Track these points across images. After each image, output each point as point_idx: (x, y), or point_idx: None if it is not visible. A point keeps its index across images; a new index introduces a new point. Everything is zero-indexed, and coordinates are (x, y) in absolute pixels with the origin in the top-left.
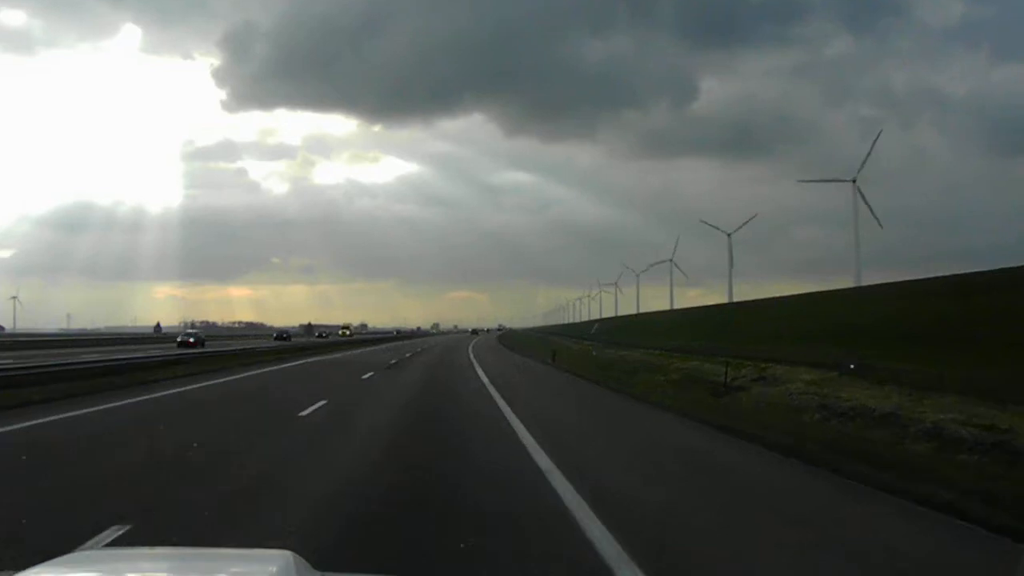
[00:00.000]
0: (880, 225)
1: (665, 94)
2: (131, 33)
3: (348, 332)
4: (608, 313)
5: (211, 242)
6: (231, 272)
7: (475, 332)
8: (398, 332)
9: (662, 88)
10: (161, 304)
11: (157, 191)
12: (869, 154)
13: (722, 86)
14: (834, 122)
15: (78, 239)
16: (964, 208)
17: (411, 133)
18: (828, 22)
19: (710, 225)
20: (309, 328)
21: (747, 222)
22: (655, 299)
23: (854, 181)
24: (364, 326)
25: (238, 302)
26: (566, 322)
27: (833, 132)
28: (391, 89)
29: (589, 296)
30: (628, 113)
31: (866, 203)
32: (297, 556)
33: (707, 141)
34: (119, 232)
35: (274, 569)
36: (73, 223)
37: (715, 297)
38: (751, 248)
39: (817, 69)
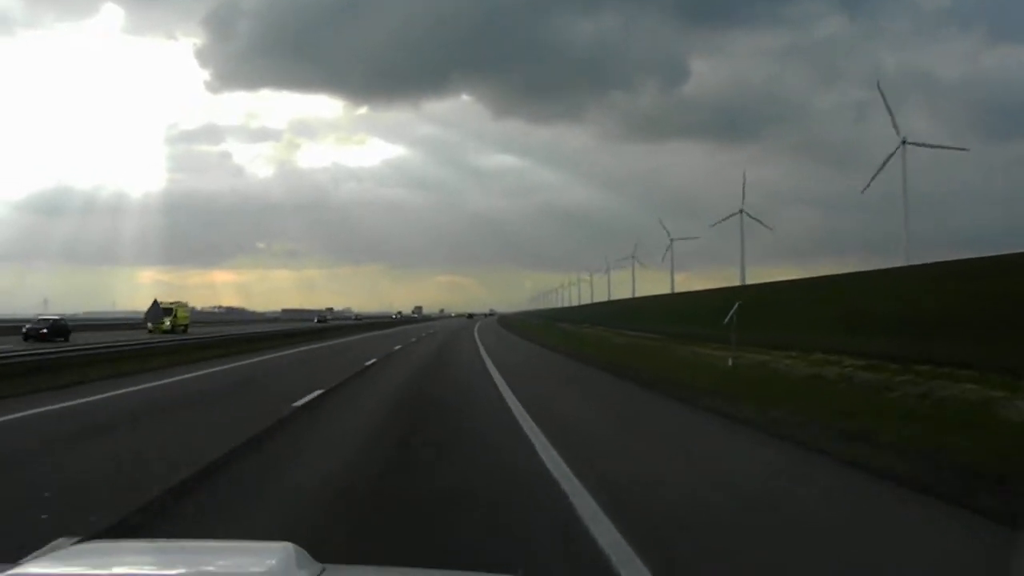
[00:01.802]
0: (862, 192)
1: (655, 75)
2: (112, 13)
3: (162, 326)
4: (600, 297)
5: (195, 226)
6: (215, 257)
7: (471, 316)
8: (320, 320)
9: (651, 69)
10: (144, 289)
11: (139, 174)
12: (937, 147)
13: (713, 67)
14: (826, 104)
15: (58, 223)
16: (953, 194)
17: (397, 115)
18: (820, 2)
19: (742, 187)
20: (155, 308)
21: (765, 226)
22: (646, 283)
23: (904, 142)
24: (331, 311)
25: (222, 287)
26: (559, 306)
27: (825, 114)
28: (377, 69)
29: (579, 280)
30: (617, 94)
31: (879, 168)
32: (298, 547)
33: (697, 123)
34: (100, 216)
35: (273, 561)
36: (53, 207)
37: (702, 282)
38: (735, 233)
39: (809, 50)
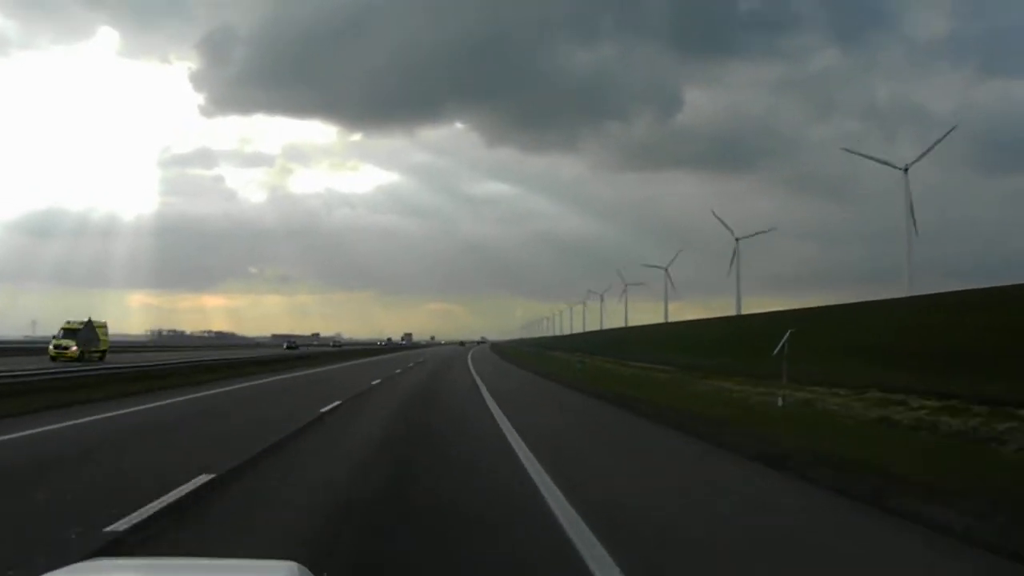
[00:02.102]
0: (916, 231)
1: (650, 105)
2: (107, 36)
3: (67, 352)
4: (592, 327)
5: (187, 250)
6: (207, 281)
7: (463, 344)
8: (290, 346)
9: (646, 99)
10: (134, 312)
11: (132, 197)
12: (933, 147)
13: (708, 98)
14: (819, 136)
15: (49, 245)
16: (943, 225)
17: (391, 142)
18: (815, 34)
19: (720, 221)
20: (87, 330)
21: (762, 232)
22: (637, 313)
23: (906, 170)
24: (317, 336)
25: (213, 311)
26: (550, 334)
27: (818, 146)
28: (371, 96)
29: (571, 309)
30: (612, 124)
31: (910, 201)
32: (301, 567)
33: (692, 154)
34: (92, 239)
35: None
36: (44, 228)
37: (693, 312)
38: (722, 263)
39: (803, 82)
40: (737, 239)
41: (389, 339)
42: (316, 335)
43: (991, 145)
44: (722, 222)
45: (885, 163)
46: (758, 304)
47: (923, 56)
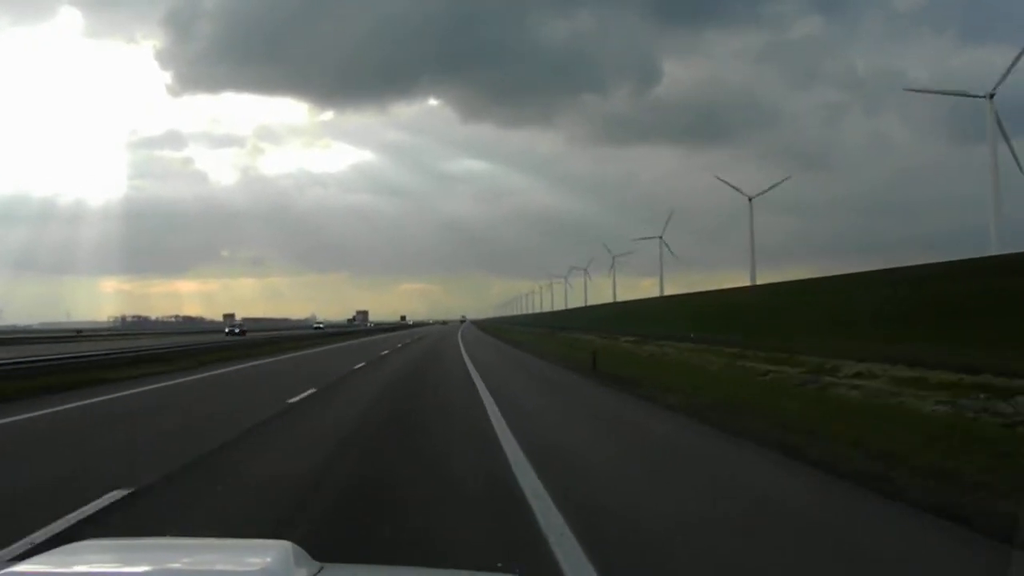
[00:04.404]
0: (1021, 169)
1: (626, 77)
2: (70, 16)
3: None
4: (575, 304)
5: (157, 234)
6: (178, 265)
7: (445, 323)
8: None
9: (623, 71)
10: (105, 298)
11: (99, 181)
12: (1014, 64)
13: (686, 69)
14: (799, 106)
15: (13, 231)
16: (922, 196)
17: (363, 119)
18: (795, 2)
19: (728, 184)
20: None
21: (777, 184)
22: (620, 290)
23: (991, 97)
24: (243, 320)
25: (186, 296)
26: (530, 312)
27: (797, 116)
28: (342, 72)
29: (551, 285)
30: (588, 97)
31: (1004, 135)
32: (296, 546)
33: (669, 126)
34: (58, 224)
35: (270, 559)
36: (8, 214)
37: (670, 287)
38: (702, 237)
39: (783, 51)
40: (750, 199)
41: (353, 319)
42: (231, 316)
43: (968, 114)
44: (729, 184)
45: (963, 94)
46: (719, 280)
47: (904, 23)
